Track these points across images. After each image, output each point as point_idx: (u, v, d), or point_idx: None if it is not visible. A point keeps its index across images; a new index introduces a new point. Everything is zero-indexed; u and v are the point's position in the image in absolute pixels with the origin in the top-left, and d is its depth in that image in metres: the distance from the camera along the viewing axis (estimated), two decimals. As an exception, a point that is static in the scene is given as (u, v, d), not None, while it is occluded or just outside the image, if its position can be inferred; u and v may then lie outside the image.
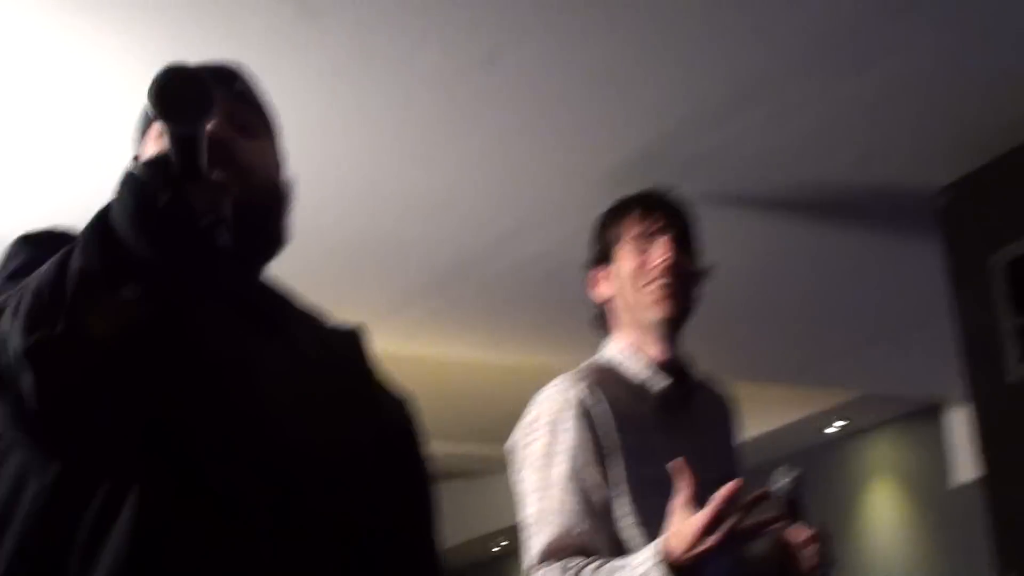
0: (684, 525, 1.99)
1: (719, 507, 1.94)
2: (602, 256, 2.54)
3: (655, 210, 2.48)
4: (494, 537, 7.94)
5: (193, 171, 1.29)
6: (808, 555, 2.26)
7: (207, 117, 1.27)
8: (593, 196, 3.16)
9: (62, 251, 1.32)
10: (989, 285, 3.02)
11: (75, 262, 1.31)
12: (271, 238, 1.56)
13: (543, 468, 2.25)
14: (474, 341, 4.47)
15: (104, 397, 1.33)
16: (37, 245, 1.50)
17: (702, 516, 1.96)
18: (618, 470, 2.24)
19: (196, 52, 2.55)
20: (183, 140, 1.27)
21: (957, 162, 3.19)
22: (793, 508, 2.20)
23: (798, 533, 2.21)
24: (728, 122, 3.00)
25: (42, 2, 2.53)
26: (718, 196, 3.26)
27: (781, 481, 2.21)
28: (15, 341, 1.30)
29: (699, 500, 2.33)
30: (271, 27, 2.58)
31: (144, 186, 1.28)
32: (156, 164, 1.28)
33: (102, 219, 1.29)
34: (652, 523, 2.23)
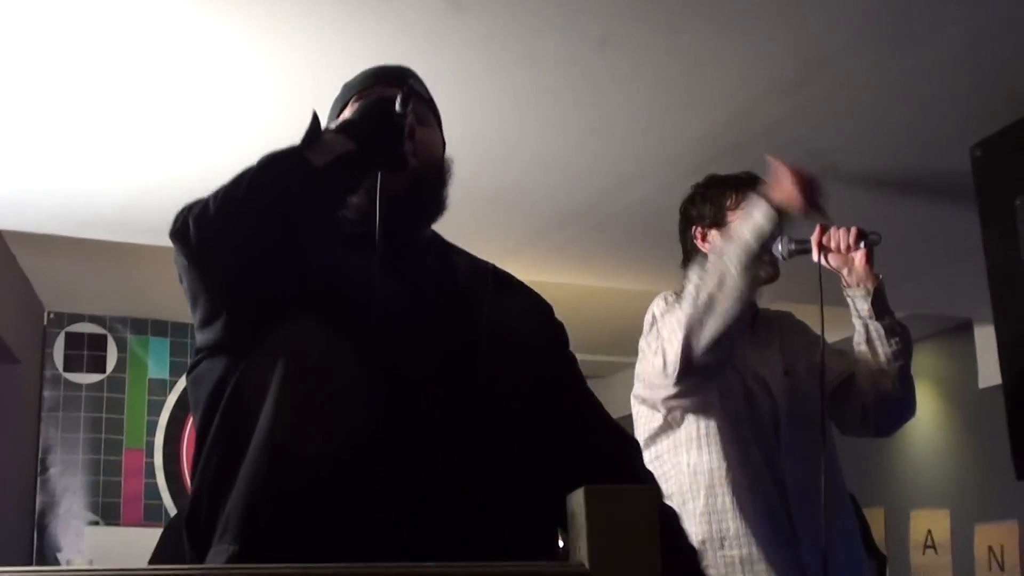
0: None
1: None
2: (716, 219, 2.58)
3: (745, 185, 2.54)
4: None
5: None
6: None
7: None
8: (684, 154, 3.23)
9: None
10: (1014, 223, 3.00)
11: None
12: (436, 207, 1.64)
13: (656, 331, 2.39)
14: (589, 272, 4.52)
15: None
16: None
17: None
18: None
19: (354, 44, 2.63)
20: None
21: (990, 120, 3.15)
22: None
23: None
24: (796, 94, 3.00)
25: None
26: (789, 155, 3.26)
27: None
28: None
29: (768, 391, 2.43)
30: (421, 19, 2.63)
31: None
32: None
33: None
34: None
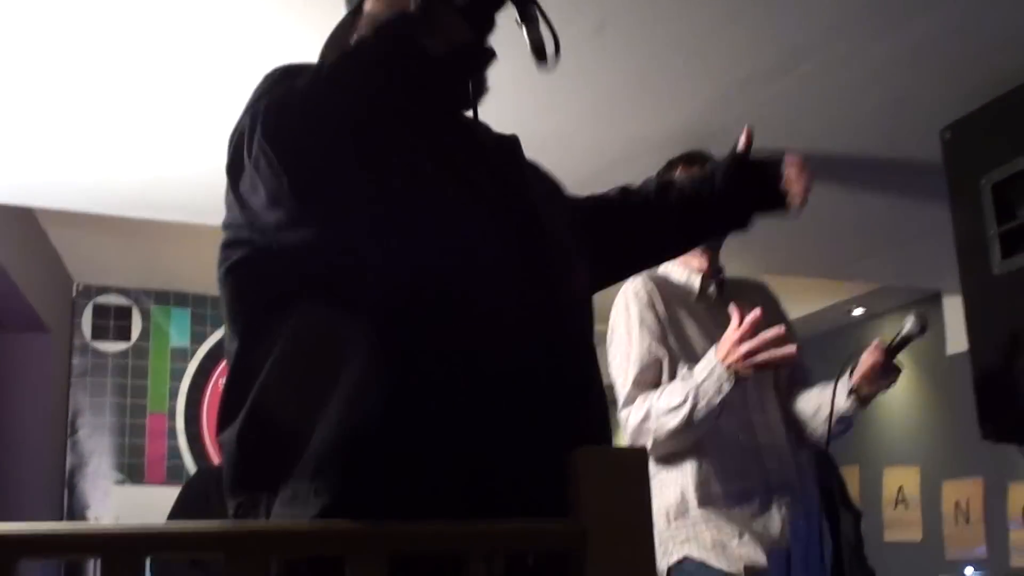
0: (724, 337, 2.18)
1: (748, 324, 2.14)
2: None
3: (696, 162, 2.63)
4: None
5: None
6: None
7: None
8: (671, 138, 3.23)
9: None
10: (979, 201, 3.01)
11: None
12: (485, 85, 1.51)
13: (625, 337, 2.45)
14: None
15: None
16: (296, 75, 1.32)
17: (733, 329, 2.15)
18: (671, 337, 2.44)
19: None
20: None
21: (959, 105, 3.16)
22: (901, 345, 2.38)
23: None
24: (776, 80, 3.01)
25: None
26: (771, 138, 3.26)
27: (911, 324, 2.39)
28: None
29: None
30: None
31: None
32: None
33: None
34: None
